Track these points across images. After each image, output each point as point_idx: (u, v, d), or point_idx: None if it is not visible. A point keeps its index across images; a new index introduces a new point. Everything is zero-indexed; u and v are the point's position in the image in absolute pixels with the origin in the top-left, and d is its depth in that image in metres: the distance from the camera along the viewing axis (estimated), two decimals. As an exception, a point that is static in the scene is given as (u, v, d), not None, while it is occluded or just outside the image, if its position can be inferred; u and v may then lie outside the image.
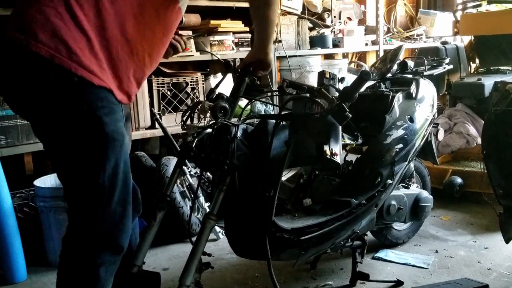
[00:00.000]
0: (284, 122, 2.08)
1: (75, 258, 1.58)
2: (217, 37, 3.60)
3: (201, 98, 3.41)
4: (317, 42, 4.40)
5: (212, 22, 3.57)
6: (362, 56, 5.44)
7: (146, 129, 3.30)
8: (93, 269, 1.55)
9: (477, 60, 4.52)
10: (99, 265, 1.56)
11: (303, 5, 4.40)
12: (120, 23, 1.50)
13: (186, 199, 3.02)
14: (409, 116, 2.48)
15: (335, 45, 4.56)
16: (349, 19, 4.88)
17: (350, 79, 2.87)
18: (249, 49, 3.82)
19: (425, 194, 2.72)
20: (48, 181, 2.87)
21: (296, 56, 4.10)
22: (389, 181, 2.32)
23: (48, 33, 1.41)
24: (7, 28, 1.48)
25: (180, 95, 3.39)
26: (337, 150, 2.01)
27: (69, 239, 1.60)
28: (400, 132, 2.40)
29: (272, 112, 3.66)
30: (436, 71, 2.87)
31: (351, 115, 1.92)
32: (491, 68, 4.17)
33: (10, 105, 1.60)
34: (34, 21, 1.43)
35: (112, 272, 1.62)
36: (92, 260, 1.55)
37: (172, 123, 3.12)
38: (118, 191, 1.53)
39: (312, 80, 3.98)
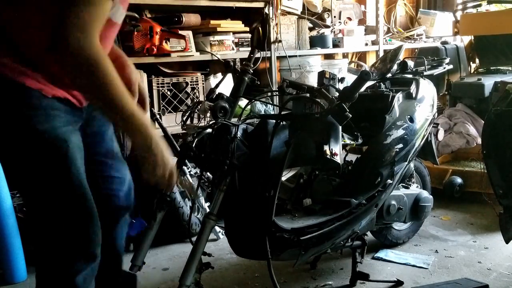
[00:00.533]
0: (284, 122, 2.08)
1: (50, 273, 1.52)
2: (217, 37, 3.59)
3: (201, 98, 3.41)
4: (317, 42, 4.39)
5: (212, 22, 3.56)
6: (362, 56, 5.43)
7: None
8: (70, 279, 1.50)
9: (477, 60, 4.52)
10: (75, 274, 1.50)
11: (303, 5, 4.40)
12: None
13: (186, 199, 3.01)
14: (409, 116, 2.48)
15: (335, 45, 4.56)
16: (349, 19, 4.87)
17: (350, 79, 2.87)
18: (249, 49, 3.82)
19: (425, 194, 2.72)
20: (48, 181, 2.87)
21: (296, 56, 4.10)
22: (389, 181, 2.32)
23: None
24: None
25: (180, 95, 3.39)
26: (337, 150, 2.01)
27: (40, 254, 1.53)
28: (400, 132, 2.40)
29: (272, 112, 3.66)
30: (436, 71, 2.87)
31: (351, 115, 1.92)
32: (491, 68, 4.17)
33: None
34: None
35: (91, 279, 1.57)
36: (67, 271, 1.50)
37: (172, 123, 3.12)
38: (74, 200, 1.46)
39: (312, 80, 3.98)
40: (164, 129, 3.01)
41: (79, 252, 1.50)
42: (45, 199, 1.44)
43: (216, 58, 3.46)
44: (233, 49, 3.70)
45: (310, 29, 4.51)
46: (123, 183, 1.76)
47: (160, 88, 3.30)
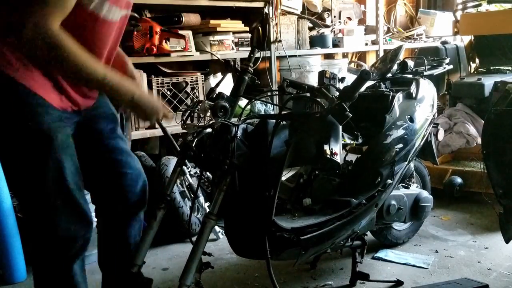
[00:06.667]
0: (284, 122, 2.08)
1: (46, 266, 1.61)
2: (217, 37, 3.59)
3: (201, 98, 3.41)
4: (317, 42, 4.39)
5: (212, 22, 3.56)
6: (362, 56, 5.43)
7: (146, 129, 3.30)
8: (67, 268, 1.60)
9: (477, 60, 4.52)
10: (71, 259, 1.60)
11: (303, 5, 4.40)
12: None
13: (186, 199, 3.01)
14: (409, 116, 2.48)
15: (335, 45, 4.56)
16: (349, 18, 4.87)
17: (350, 79, 2.87)
18: (249, 49, 3.82)
19: (425, 194, 2.72)
20: (48, 181, 2.87)
21: (296, 56, 4.10)
22: (389, 181, 2.31)
23: None
24: None
25: (180, 95, 3.38)
26: (337, 149, 2.00)
27: (35, 248, 1.62)
28: (400, 132, 2.40)
29: (272, 112, 3.66)
30: (436, 71, 2.87)
31: (351, 115, 1.92)
32: (491, 68, 4.17)
33: None
34: None
35: (83, 260, 1.67)
36: (65, 259, 1.59)
37: (172, 123, 3.12)
38: (57, 191, 1.52)
39: (312, 80, 3.98)
40: (163, 129, 3.00)
41: (72, 236, 1.57)
42: (26, 190, 1.53)
43: (216, 58, 3.46)
44: (233, 49, 3.70)
45: (310, 29, 4.51)
46: (137, 179, 1.84)
47: (160, 88, 3.30)
